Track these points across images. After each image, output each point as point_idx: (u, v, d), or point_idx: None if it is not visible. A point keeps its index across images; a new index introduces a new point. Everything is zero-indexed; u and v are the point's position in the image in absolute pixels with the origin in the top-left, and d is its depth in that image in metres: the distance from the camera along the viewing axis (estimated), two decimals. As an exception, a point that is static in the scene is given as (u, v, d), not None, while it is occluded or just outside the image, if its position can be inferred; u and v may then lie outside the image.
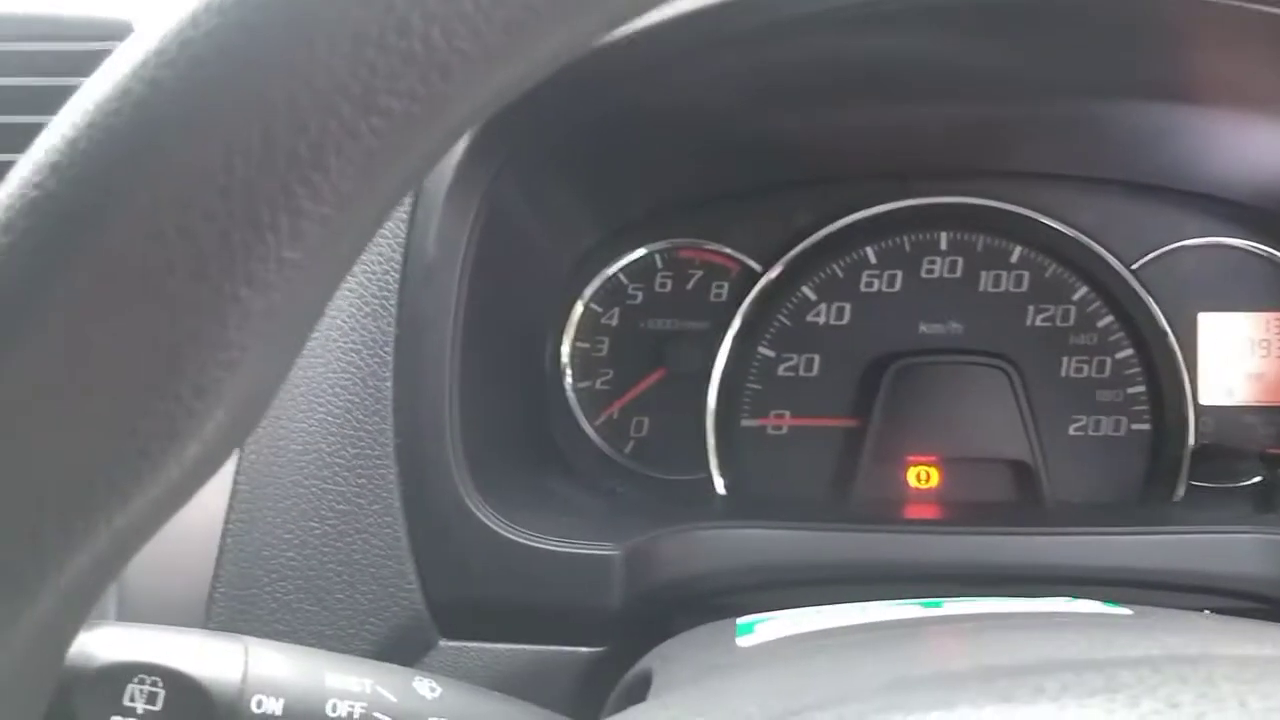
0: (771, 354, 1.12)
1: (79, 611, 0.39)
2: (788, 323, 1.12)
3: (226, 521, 0.80)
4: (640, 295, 1.13)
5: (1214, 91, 0.92)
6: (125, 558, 0.37)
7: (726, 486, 1.11)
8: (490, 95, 0.37)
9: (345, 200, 0.35)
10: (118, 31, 0.79)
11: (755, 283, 1.12)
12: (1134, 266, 1.10)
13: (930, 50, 0.86)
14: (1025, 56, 0.89)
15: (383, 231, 0.84)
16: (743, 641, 0.64)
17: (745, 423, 1.12)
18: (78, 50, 0.83)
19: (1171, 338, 1.09)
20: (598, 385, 1.13)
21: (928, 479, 1.10)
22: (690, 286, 1.13)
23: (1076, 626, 0.52)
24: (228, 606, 0.79)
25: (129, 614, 0.78)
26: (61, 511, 0.34)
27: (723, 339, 1.12)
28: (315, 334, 0.82)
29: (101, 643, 0.56)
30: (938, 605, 0.65)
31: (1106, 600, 0.68)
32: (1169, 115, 0.97)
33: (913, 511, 1.08)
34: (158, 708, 0.55)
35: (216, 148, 0.33)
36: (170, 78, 0.33)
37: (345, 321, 0.83)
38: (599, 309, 1.13)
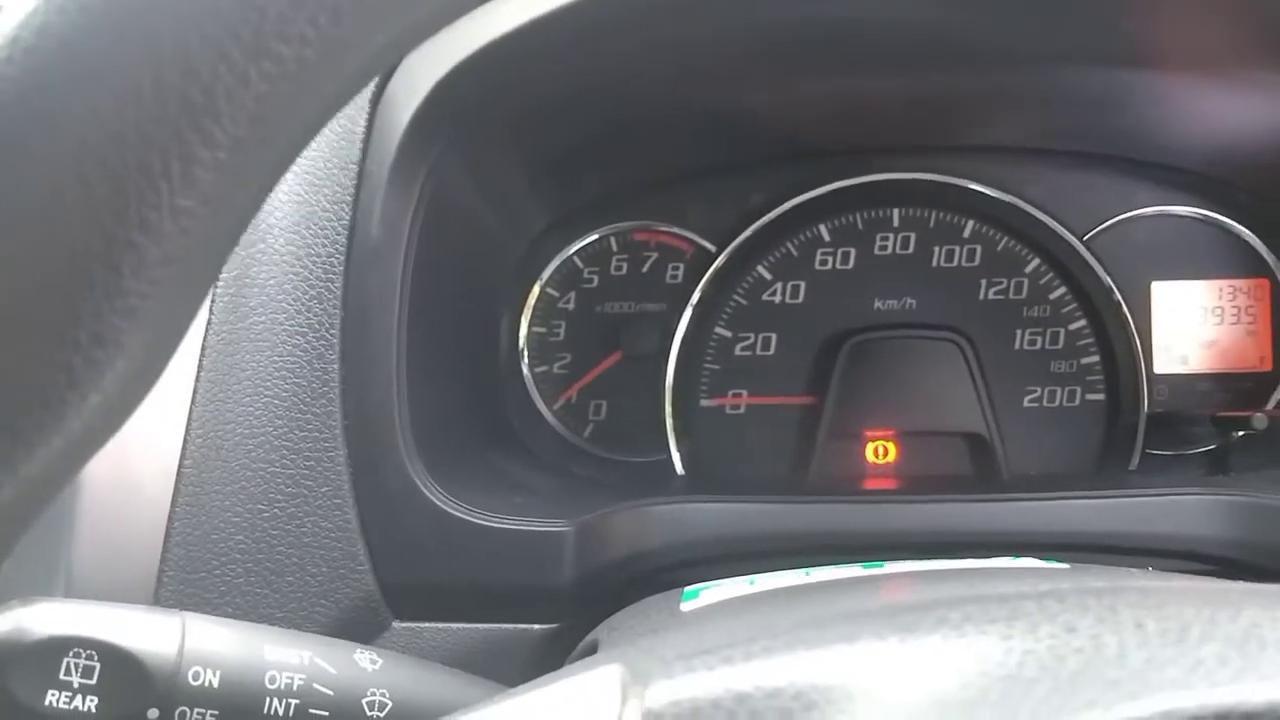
0: (728, 334, 1.13)
1: (-13, 567, 0.39)
2: (743, 302, 1.13)
3: (173, 505, 0.80)
4: (596, 278, 1.13)
5: (1166, 56, 0.92)
6: (33, 510, 0.37)
7: (686, 467, 1.11)
8: (386, 42, 0.37)
9: (239, 147, 0.35)
10: None
11: (710, 263, 1.12)
12: (1085, 237, 1.10)
13: (883, 18, 0.86)
14: (977, 23, 0.88)
15: (327, 212, 0.84)
16: (686, 606, 0.65)
17: (704, 403, 1.13)
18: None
19: (1124, 307, 1.10)
20: (555, 369, 1.13)
21: (885, 454, 1.10)
22: (646, 269, 1.14)
23: (1003, 574, 0.52)
24: (176, 590, 0.79)
25: (75, 598, 0.77)
26: (-42, 460, 0.34)
27: (679, 320, 1.12)
28: (260, 317, 0.82)
29: (37, 618, 0.56)
30: (878, 566, 0.66)
31: (1048, 558, 0.68)
32: (1120, 82, 0.97)
33: (871, 485, 1.08)
34: (93, 681, 0.55)
35: (107, 93, 0.33)
36: (60, 24, 0.33)
37: (291, 304, 0.83)
38: (555, 293, 1.13)
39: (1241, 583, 0.56)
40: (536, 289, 1.13)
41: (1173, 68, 0.93)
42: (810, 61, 0.92)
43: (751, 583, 0.66)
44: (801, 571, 0.67)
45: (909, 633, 0.36)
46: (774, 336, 1.13)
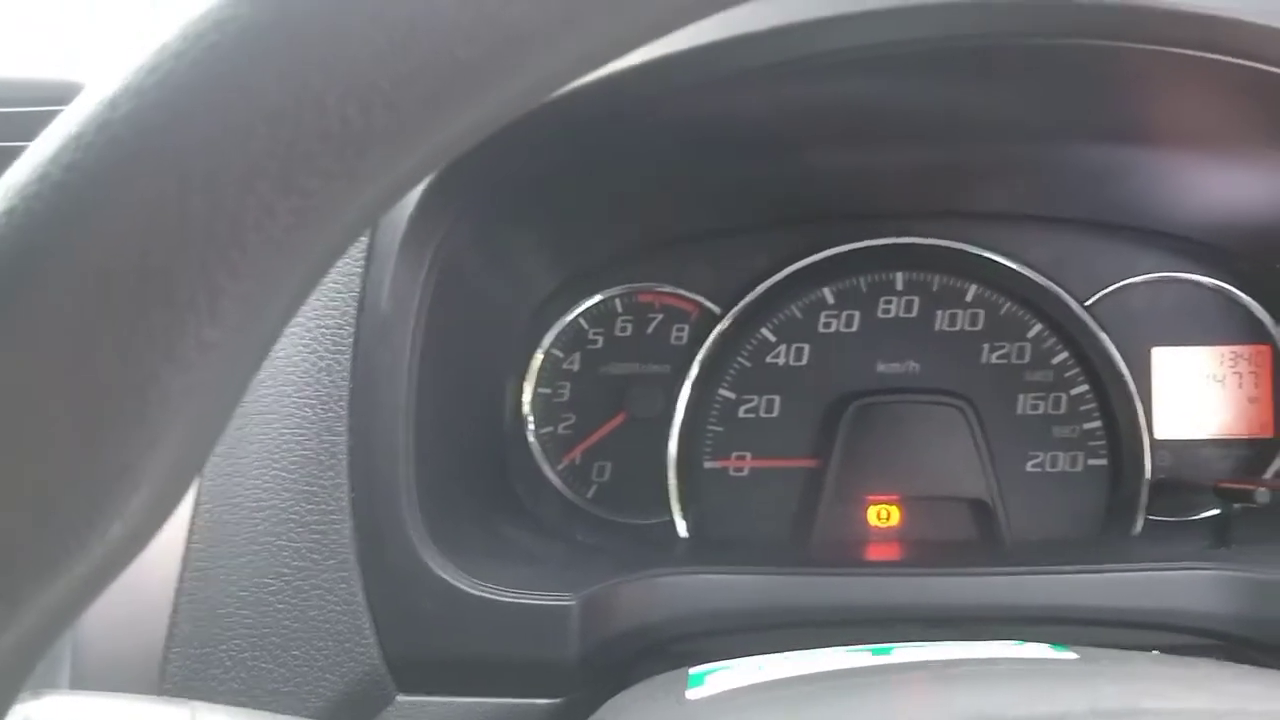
0: (732, 396, 1.13)
1: (8, 691, 0.38)
2: (747, 364, 1.13)
3: (180, 580, 0.80)
4: (600, 340, 1.14)
5: (1168, 134, 0.93)
6: (52, 636, 0.37)
7: (689, 529, 1.11)
8: (410, 170, 0.37)
9: (265, 278, 0.35)
10: (66, 94, 0.79)
11: (714, 325, 1.13)
12: (1087, 303, 1.11)
13: (893, 95, 0.87)
14: (985, 100, 0.89)
15: (337, 285, 0.84)
16: (692, 694, 0.64)
17: (707, 465, 1.13)
18: (25, 113, 0.83)
19: (1126, 373, 1.10)
20: (559, 430, 1.13)
21: (888, 518, 1.10)
22: (650, 330, 1.14)
23: (1014, 675, 0.52)
24: (182, 666, 0.78)
25: (82, 674, 0.77)
26: (-21, 593, 0.34)
27: (683, 382, 1.12)
28: (269, 390, 0.82)
29: (46, 712, 0.55)
30: (887, 652, 0.66)
31: (1055, 644, 0.68)
32: (1123, 155, 0.98)
33: (874, 551, 1.08)
34: (103, 776, 0.55)
35: (133, 227, 0.33)
36: (86, 161, 0.34)
37: (300, 377, 0.83)
38: (559, 354, 1.13)
39: (1254, 675, 0.56)
40: (540, 352, 1.13)
41: (1175, 145, 0.93)
42: (820, 137, 0.93)
43: (760, 668, 0.66)
44: (808, 655, 0.67)
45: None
46: (777, 399, 1.13)
